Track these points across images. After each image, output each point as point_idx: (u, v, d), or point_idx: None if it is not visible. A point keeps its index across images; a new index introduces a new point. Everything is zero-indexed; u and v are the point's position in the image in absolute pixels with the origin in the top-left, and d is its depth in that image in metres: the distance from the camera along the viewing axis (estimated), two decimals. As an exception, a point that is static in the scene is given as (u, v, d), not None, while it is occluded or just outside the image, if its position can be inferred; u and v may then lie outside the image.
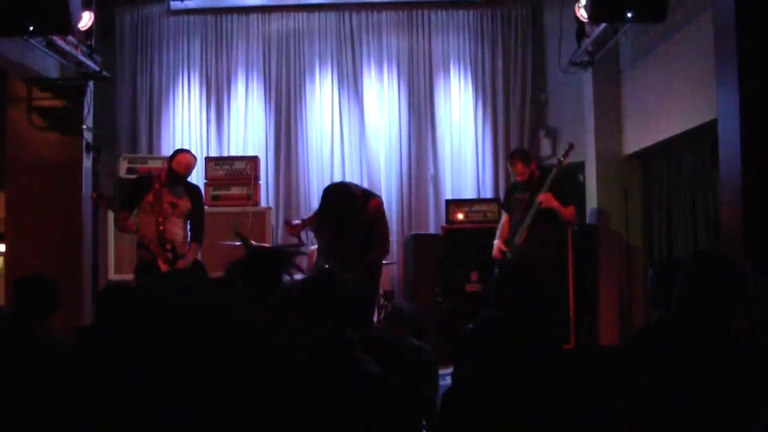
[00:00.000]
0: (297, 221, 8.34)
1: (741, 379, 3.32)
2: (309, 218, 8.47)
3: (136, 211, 8.53)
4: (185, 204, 8.64)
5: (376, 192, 9.18)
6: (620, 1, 7.80)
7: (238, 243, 9.47)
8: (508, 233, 9.37)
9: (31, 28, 8.04)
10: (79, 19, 8.75)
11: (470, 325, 5.16)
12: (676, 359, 3.51)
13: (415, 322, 5.41)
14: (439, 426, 4.06)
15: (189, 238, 8.73)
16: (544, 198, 8.95)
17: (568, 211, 9.17)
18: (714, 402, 3.29)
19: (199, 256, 9.03)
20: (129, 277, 8.96)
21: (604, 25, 9.43)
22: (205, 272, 8.65)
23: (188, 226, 8.76)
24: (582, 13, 9.66)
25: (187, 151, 8.91)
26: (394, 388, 3.43)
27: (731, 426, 3.18)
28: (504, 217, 9.69)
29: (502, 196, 11.00)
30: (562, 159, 9.24)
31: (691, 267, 3.82)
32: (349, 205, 7.79)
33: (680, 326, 3.74)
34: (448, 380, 6.72)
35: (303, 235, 8.47)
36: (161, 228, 8.36)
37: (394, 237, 12.02)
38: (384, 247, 8.27)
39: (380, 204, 8.23)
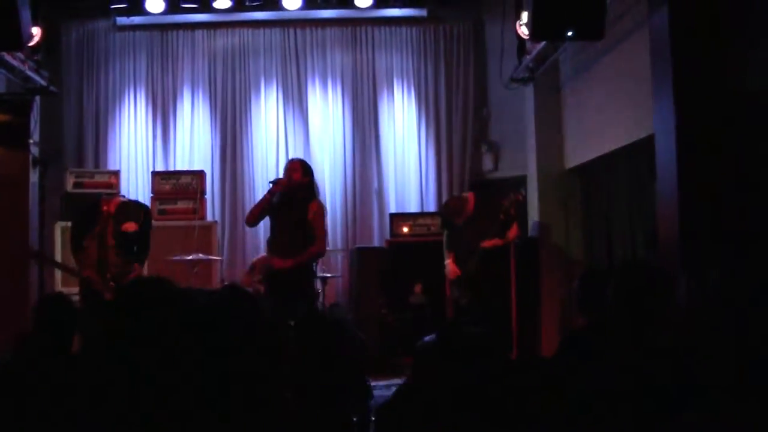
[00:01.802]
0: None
1: (662, 379, 3.47)
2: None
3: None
4: (132, 230, 8.54)
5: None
6: (560, 19, 7.93)
7: (187, 258, 9.55)
8: (457, 256, 9.47)
9: (-17, 45, 8.07)
10: (31, 36, 8.75)
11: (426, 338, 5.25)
12: (604, 363, 3.66)
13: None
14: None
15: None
16: (488, 245, 9.19)
17: (509, 237, 9.43)
18: (639, 404, 3.44)
19: (144, 271, 9.02)
20: (75, 290, 8.90)
21: (544, 42, 9.62)
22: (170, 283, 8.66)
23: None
24: (523, 31, 9.85)
25: (131, 219, 8.49)
26: None
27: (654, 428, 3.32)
28: (446, 242, 9.72)
29: (442, 229, 10.73)
30: (509, 211, 9.29)
31: (620, 275, 4.01)
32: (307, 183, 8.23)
33: (608, 332, 3.91)
34: (387, 391, 6.86)
35: None
36: (104, 258, 8.31)
37: (338, 249, 12.15)
38: (323, 244, 8.43)
39: (323, 207, 8.50)
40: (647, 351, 3.67)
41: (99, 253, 8.32)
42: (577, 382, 3.68)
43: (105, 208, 8.43)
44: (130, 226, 8.44)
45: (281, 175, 8.51)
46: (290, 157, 12.47)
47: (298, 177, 8.19)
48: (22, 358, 4.71)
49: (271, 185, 8.34)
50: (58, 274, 10.60)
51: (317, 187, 8.55)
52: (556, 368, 4.24)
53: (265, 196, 8.43)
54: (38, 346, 4.82)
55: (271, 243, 8.37)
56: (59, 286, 10.46)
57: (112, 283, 8.27)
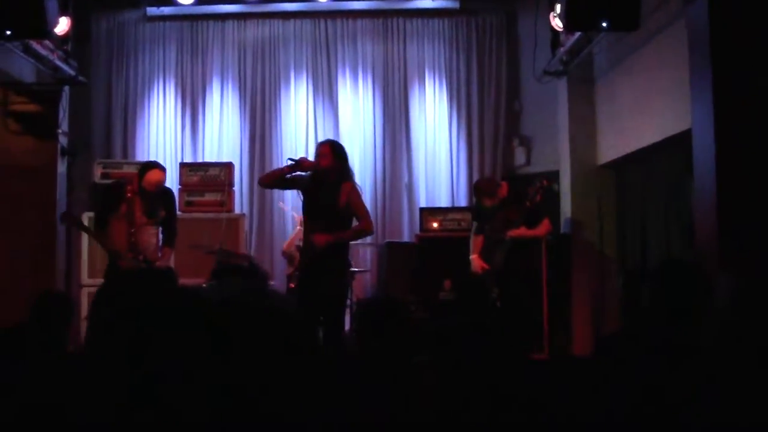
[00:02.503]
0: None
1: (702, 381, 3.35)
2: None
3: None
4: (161, 213, 8.59)
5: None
6: (595, 10, 7.81)
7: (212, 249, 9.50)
8: (484, 248, 9.38)
9: (9, 33, 8.00)
10: (56, 23, 8.70)
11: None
12: (644, 367, 3.53)
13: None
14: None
15: (161, 243, 8.67)
16: (515, 233, 9.06)
17: (540, 230, 9.30)
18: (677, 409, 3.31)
19: (171, 261, 9.00)
20: (100, 281, 8.86)
21: (578, 34, 9.49)
22: (176, 277, 8.63)
23: (160, 231, 8.71)
24: (556, 23, 9.72)
25: (156, 166, 8.78)
26: None
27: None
28: (475, 234, 9.64)
29: (472, 212, 10.65)
30: (535, 198, 9.18)
31: (658, 275, 3.85)
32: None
33: (646, 334, 3.76)
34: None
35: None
36: (133, 239, 8.30)
37: (368, 241, 12.04)
38: (368, 223, 8.09)
39: (357, 187, 8.18)
40: (687, 354, 3.53)
41: (128, 235, 8.27)
42: (615, 385, 3.55)
43: (130, 187, 8.39)
44: (160, 214, 8.49)
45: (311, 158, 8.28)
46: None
47: (326, 163, 7.86)
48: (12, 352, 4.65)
49: (290, 161, 8.00)
50: (84, 265, 10.55)
51: (351, 171, 8.16)
52: (596, 370, 4.12)
53: (282, 168, 8.16)
54: (32, 340, 4.75)
55: (309, 226, 8.09)
56: (85, 278, 10.41)
57: (143, 264, 8.25)
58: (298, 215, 10.33)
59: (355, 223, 7.92)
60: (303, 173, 8.03)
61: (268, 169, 12.18)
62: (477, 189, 9.75)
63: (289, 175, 7.99)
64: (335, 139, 12.02)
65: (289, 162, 7.97)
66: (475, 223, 9.71)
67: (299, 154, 12.03)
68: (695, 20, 6.94)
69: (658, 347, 3.62)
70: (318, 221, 7.85)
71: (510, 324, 4.73)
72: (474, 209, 9.98)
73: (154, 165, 8.81)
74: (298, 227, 10.47)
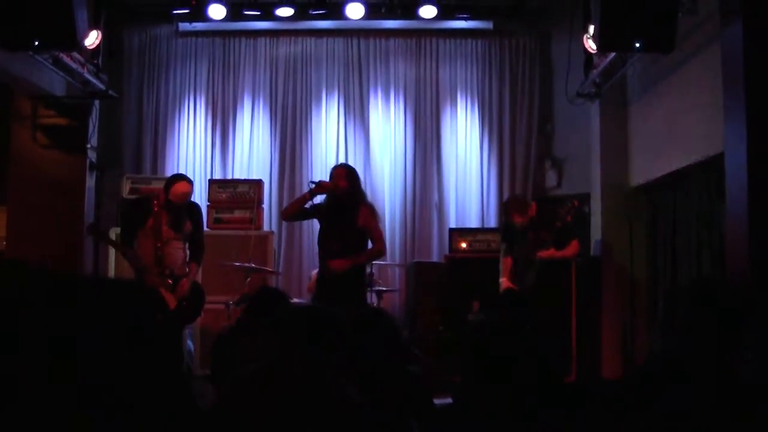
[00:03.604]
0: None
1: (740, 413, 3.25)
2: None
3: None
4: (188, 228, 8.55)
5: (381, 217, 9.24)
6: (629, 30, 7.76)
7: (240, 265, 9.47)
8: (514, 270, 9.32)
9: (37, 43, 8.01)
10: (86, 35, 8.70)
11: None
12: (678, 395, 3.43)
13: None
14: None
15: (188, 258, 8.63)
16: (544, 255, 9.00)
17: (569, 251, 9.23)
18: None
19: (198, 277, 8.96)
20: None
21: (611, 56, 9.42)
22: (203, 294, 8.61)
23: (187, 246, 8.67)
24: (590, 44, 9.65)
25: (183, 178, 8.72)
26: (373, 416, 3.36)
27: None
28: (505, 256, 9.58)
29: (502, 233, 10.66)
30: (566, 218, 9.14)
31: (690, 294, 3.74)
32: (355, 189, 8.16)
33: (679, 358, 3.66)
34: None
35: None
36: (160, 253, 8.25)
37: (396, 263, 11.99)
38: (381, 245, 8.31)
39: (373, 209, 8.42)
40: (730, 381, 3.43)
41: (154, 249, 8.23)
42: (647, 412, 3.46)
43: (156, 202, 8.36)
44: (187, 228, 8.46)
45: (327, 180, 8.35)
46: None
47: (344, 185, 8.06)
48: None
49: (312, 185, 8.18)
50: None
51: (364, 193, 8.45)
52: (629, 396, 4.03)
53: (304, 194, 8.33)
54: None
55: (324, 250, 8.19)
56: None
57: (169, 281, 8.21)
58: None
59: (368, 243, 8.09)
60: (320, 200, 8.25)
61: (297, 188, 12.24)
62: (507, 206, 9.71)
63: (309, 203, 8.16)
64: (366, 157, 12.13)
65: (311, 185, 8.13)
66: (504, 245, 9.63)
67: (329, 174, 12.12)
68: (730, 43, 6.86)
69: (689, 374, 3.53)
70: (335, 243, 7.98)
71: (541, 346, 4.67)
72: (503, 228, 9.91)
73: (181, 177, 8.77)
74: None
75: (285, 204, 12.25)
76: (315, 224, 11.41)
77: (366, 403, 3.28)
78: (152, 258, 8.23)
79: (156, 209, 8.33)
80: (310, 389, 3.37)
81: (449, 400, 4.22)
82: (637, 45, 7.84)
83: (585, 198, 11.18)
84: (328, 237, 8.14)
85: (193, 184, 8.81)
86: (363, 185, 8.57)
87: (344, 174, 8.18)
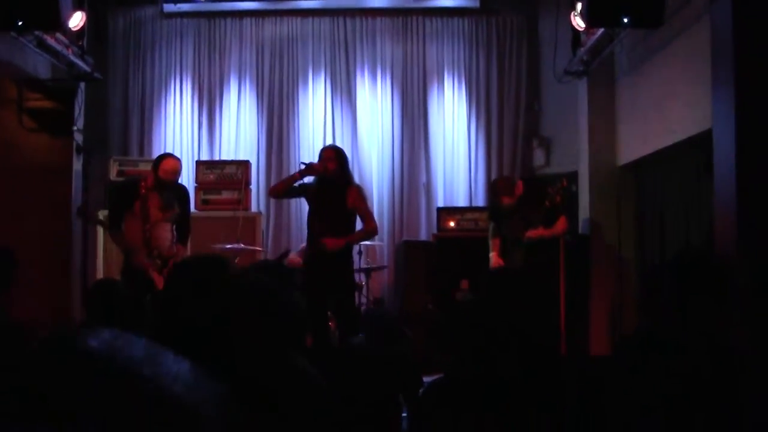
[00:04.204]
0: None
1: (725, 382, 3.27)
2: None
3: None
4: (175, 210, 8.56)
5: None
6: (617, 6, 7.75)
7: (228, 246, 9.47)
8: (502, 247, 9.34)
9: (20, 23, 7.95)
10: (69, 16, 8.64)
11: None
12: (666, 366, 3.45)
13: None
14: (419, 418, 4.05)
15: (175, 240, 8.64)
16: (533, 234, 9.00)
17: (558, 228, 9.22)
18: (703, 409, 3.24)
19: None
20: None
21: (599, 33, 9.39)
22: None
23: (174, 228, 8.67)
24: (577, 22, 9.62)
25: (172, 156, 8.75)
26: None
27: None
28: (494, 236, 9.60)
29: (489, 211, 10.78)
30: (555, 198, 9.14)
31: (675, 266, 3.75)
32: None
33: (667, 332, 3.67)
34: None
35: None
36: (148, 234, 8.25)
37: (385, 243, 12.01)
38: (372, 224, 8.46)
39: (361, 189, 8.61)
40: (711, 350, 3.45)
41: (143, 231, 8.24)
42: (636, 383, 3.48)
43: (143, 184, 8.35)
44: (174, 209, 8.48)
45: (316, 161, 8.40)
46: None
47: (333, 167, 8.14)
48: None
49: (303, 166, 8.30)
50: (101, 262, 10.54)
51: (351, 174, 8.56)
52: (615, 369, 4.05)
53: (294, 174, 8.52)
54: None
55: (313, 231, 8.25)
56: (101, 275, 10.39)
57: (158, 261, 8.22)
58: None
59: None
60: (308, 180, 8.34)
61: (285, 168, 12.25)
62: (494, 187, 9.71)
63: (299, 182, 8.28)
64: (354, 136, 12.13)
65: (302, 166, 8.28)
66: (492, 224, 9.64)
67: (317, 154, 12.09)
68: (719, 19, 6.84)
69: (678, 345, 3.54)
70: (325, 224, 8.06)
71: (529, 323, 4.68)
72: (491, 209, 9.92)
73: (169, 154, 8.82)
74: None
75: (272, 184, 12.29)
76: (303, 204, 11.41)
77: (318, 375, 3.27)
78: (140, 240, 8.24)
79: (143, 191, 8.32)
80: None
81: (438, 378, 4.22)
82: (625, 20, 7.82)
83: (573, 176, 11.18)
84: (317, 218, 8.23)
85: (180, 162, 8.80)
86: (351, 166, 8.62)
87: (333, 155, 8.25)
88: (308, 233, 8.43)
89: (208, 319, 2.57)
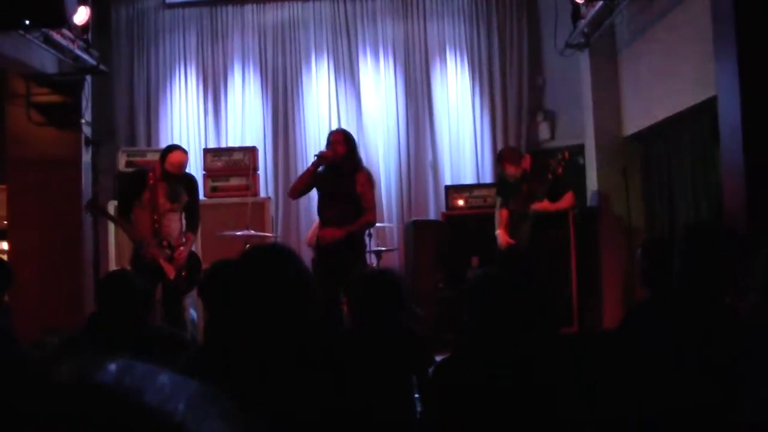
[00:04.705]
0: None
1: (739, 352, 3.29)
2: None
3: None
4: (184, 199, 8.61)
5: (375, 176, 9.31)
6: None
7: (238, 233, 9.52)
8: (509, 223, 9.38)
9: (27, 22, 8.01)
10: (74, 12, 8.71)
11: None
12: (674, 335, 3.48)
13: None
14: (431, 395, 4.10)
15: (184, 229, 8.69)
16: (538, 207, 9.02)
17: (564, 203, 9.24)
18: (711, 373, 3.27)
19: (194, 247, 9.00)
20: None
21: (599, 5, 9.42)
22: (200, 264, 8.66)
23: (183, 217, 8.73)
24: (577, -6, 9.66)
25: (178, 148, 8.77)
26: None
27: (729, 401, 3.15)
28: (500, 207, 9.65)
29: (496, 185, 10.82)
30: (557, 170, 9.16)
31: (689, 239, 3.78)
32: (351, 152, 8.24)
33: (678, 302, 3.70)
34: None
35: None
36: (157, 225, 8.31)
37: (394, 224, 12.03)
38: (373, 214, 8.45)
39: (371, 176, 8.49)
40: (721, 322, 3.48)
41: (152, 221, 8.29)
42: (643, 356, 3.52)
43: (152, 174, 8.41)
44: (183, 199, 8.54)
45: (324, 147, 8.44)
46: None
47: (342, 150, 8.16)
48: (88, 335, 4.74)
49: (316, 158, 8.31)
50: (112, 255, 10.60)
51: (360, 158, 8.53)
52: (619, 341, 4.08)
53: (308, 168, 8.49)
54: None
55: (321, 217, 8.32)
56: (113, 267, 10.45)
57: (168, 251, 8.27)
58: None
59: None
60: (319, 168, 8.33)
61: (291, 152, 12.39)
62: (500, 156, 9.75)
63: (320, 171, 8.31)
64: (359, 118, 12.16)
65: (315, 158, 8.27)
66: (499, 198, 9.69)
67: (323, 137, 12.14)
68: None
69: (689, 314, 3.57)
70: (332, 209, 8.12)
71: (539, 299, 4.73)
72: (498, 181, 9.96)
73: (176, 147, 8.83)
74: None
75: (280, 169, 12.39)
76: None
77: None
78: (150, 230, 8.29)
79: (151, 182, 8.37)
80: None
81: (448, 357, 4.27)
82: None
83: (579, 149, 11.22)
84: (327, 204, 8.25)
85: (187, 154, 8.85)
86: (358, 149, 8.63)
87: (342, 139, 8.27)
88: (319, 222, 8.52)
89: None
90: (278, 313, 2.81)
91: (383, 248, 10.92)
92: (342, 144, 8.18)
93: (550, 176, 9.10)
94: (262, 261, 2.97)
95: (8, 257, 10.68)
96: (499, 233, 9.40)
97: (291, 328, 2.80)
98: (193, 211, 8.78)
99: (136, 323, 4.82)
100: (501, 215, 9.52)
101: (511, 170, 9.29)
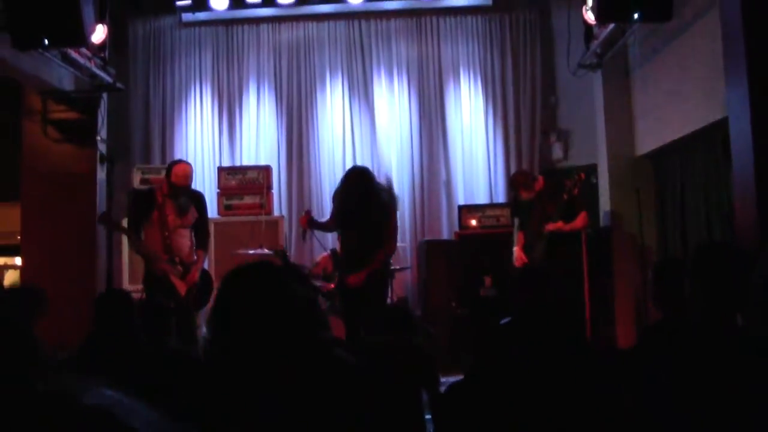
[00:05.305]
0: (314, 217, 8.49)
1: (751, 374, 3.29)
2: (325, 222, 8.62)
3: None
4: (192, 214, 8.64)
5: None
6: (626, 1, 7.80)
7: (252, 251, 9.56)
8: (525, 242, 9.40)
9: (46, 41, 8.10)
10: (93, 31, 8.78)
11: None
12: (688, 357, 3.49)
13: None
14: (447, 415, 4.10)
15: (194, 246, 8.72)
16: (552, 227, 9.03)
17: (578, 223, 9.25)
18: (727, 397, 3.27)
19: (206, 265, 9.02)
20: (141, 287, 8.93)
21: (611, 26, 9.47)
22: (212, 281, 8.69)
23: (192, 234, 8.75)
24: (589, 16, 9.68)
25: (182, 161, 8.88)
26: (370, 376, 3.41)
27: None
28: (517, 226, 9.69)
29: (510, 206, 10.84)
30: (572, 191, 9.17)
31: (697, 261, 3.79)
32: (369, 191, 8.16)
33: (690, 323, 3.71)
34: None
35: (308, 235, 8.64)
36: (168, 241, 8.33)
37: (407, 243, 12.04)
38: (392, 245, 8.37)
39: (394, 199, 8.54)
40: (735, 341, 3.48)
41: (163, 238, 8.33)
42: (658, 375, 3.52)
43: (159, 192, 8.46)
44: (192, 214, 8.58)
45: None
46: (357, 150, 12.52)
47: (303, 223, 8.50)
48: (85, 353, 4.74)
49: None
50: (126, 271, 10.65)
51: (373, 190, 8.36)
52: (634, 360, 4.09)
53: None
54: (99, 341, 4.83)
55: (343, 250, 8.42)
56: (126, 283, 10.50)
57: (180, 267, 8.30)
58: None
59: None
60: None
61: (305, 172, 12.60)
62: (513, 182, 9.80)
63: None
64: (373, 138, 12.22)
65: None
66: (516, 220, 9.73)
67: (336, 156, 12.25)
68: (728, 8, 6.90)
69: (702, 336, 3.58)
70: (353, 252, 8.16)
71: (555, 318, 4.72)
72: (512, 204, 9.99)
73: (179, 160, 8.96)
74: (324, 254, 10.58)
75: (294, 188, 12.54)
76: (325, 207, 11.54)
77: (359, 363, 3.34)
78: (161, 247, 8.31)
79: (160, 200, 8.41)
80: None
81: (462, 377, 4.27)
82: (636, 15, 7.88)
83: (592, 169, 11.24)
84: (345, 245, 8.37)
85: (192, 166, 8.91)
86: (371, 168, 8.62)
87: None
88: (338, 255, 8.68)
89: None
90: (277, 334, 2.82)
91: (396, 267, 10.93)
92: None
93: (565, 197, 9.12)
94: (250, 281, 2.97)
95: (21, 272, 10.75)
96: (516, 250, 9.43)
97: (291, 348, 2.81)
98: (202, 228, 8.81)
99: (135, 342, 4.84)
100: (519, 237, 9.56)
101: (525, 195, 9.35)
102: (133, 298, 5.15)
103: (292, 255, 11.91)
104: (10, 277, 14.39)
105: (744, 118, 6.60)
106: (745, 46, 6.56)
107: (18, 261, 11.75)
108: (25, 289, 5.79)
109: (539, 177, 9.84)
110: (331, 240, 10.77)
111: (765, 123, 6.47)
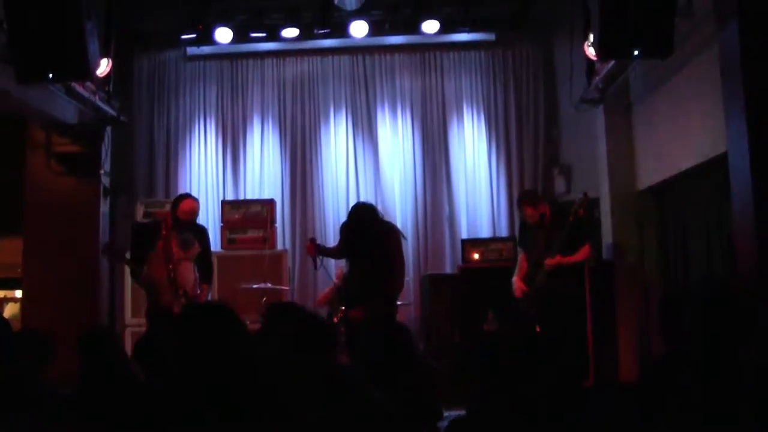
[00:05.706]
0: (321, 243, 8.55)
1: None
2: (332, 248, 8.66)
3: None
4: (196, 248, 8.66)
5: None
6: (627, 38, 7.82)
7: (255, 286, 9.56)
8: (527, 271, 9.33)
9: (51, 75, 8.14)
10: (98, 65, 8.82)
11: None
12: (691, 394, 3.48)
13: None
14: None
15: (199, 280, 8.73)
16: (551, 263, 8.94)
17: (580, 256, 9.13)
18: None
19: (209, 297, 9.02)
20: (143, 321, 8.92)
21: (613, 62, 9.51)
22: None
23: (195, 268, 8.75)
24: (591, 51, 9.71)
25: (189, 196, 8.94)
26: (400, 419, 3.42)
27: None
28: (521, 254, 9.63)
29: (517, 233, 10.85)
30: (578, 212, 9.10)
31: (696, 297, 3.79)
32: (371, 228, 8.22)
33: (690, 359, 3.70)
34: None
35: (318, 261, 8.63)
36: (173, 274, 8.34)
37: (410, 277, 12.01)
38: (396, 281, 8.37)
39: (399, 236, 8.48)
40: (736, 378, 3.48)
41: (167, 270, 8.34)
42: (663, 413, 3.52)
43: (164, 225, 8.49)
44: (195, 248, 8.59)
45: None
46: (360, 185, 12.53)
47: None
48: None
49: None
50: (128, 305, 10.63)
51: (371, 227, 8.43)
52: (642, 398, 4.08)
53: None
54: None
55: (347, 283, 8.45)
56: (129, 317, 10.50)
57: (184, 299, 8.29)
58: (339, 266, 10.44)
59: None
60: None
61: (309, 206, 12.62)
62: (519, 200, 9.66)
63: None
64: (376, 172, 12.24)
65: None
66: (521, 249, 9.64)
67: (339, 191, 12.25)
68: (727, 44, 6.93)
69: (704, 372, 3.57)
70: (356, 287, 8.23)
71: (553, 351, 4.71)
72: (519, 225, 9.92)
73: (187, 195, 9.01)
74: (334, 281, 10.55)
75: (298, 221, 12.51)
76: (328, 240, 11.55)
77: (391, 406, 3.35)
78: (165, 280, 8.32)
79: (164, 233, 8.44)
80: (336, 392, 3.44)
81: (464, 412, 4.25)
82: (636, 52, 7.90)
83: (594, 202, 11.22)
84: (348, 281, 8.43)
85: (198, 202, 8.94)
86: (375, 202, 8.67)
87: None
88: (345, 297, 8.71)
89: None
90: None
91: (399, 302, 10.92)
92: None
93: (571, 219, 9.04)
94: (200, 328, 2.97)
95: (22, 305, 10.75)
96: (515, 280, 9.33)
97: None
98: (206, 261, 8.84)
99: (127, 376, 4.84)
100: (520, 263, 9.48)
101: (529, 212, 9.23)
102: (115, 333, 5.16)
103: (296, 288, 11.93)
104: (10, 310, 14.39)
105: (743, 153, 6.63)
106: (744, 81, 6.60)
107: (18, 294, 11.73)
108: (32, 333, 5.77)
109: (546, 203, 9.78)
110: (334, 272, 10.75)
111: (763, 158, 6.49)
